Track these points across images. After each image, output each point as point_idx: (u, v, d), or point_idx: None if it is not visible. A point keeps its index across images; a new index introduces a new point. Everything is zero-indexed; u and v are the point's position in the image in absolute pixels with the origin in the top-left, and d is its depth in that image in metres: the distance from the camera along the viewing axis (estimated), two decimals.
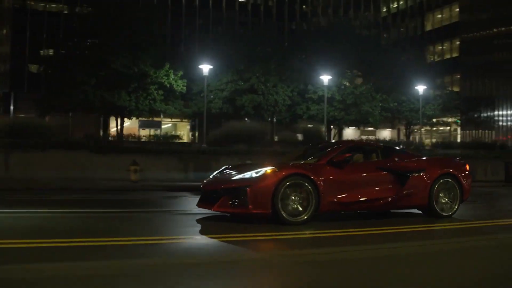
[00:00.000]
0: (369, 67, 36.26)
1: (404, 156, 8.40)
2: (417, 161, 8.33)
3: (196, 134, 46.13)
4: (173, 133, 36.16)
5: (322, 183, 7.10)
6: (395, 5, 62.13)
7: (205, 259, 4.77)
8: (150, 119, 36.19)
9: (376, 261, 4.88)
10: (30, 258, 4.59)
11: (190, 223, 7.22)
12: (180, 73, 30.07)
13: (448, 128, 51.75)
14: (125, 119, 34.09)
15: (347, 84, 35.83)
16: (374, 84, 36.01)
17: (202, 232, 6.43)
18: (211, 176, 8.11)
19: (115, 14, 29.42)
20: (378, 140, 37.30)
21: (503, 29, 48.57)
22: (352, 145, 8.55)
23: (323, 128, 32.69)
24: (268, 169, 7.01)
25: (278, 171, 6.95)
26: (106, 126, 43.28)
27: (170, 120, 45.33)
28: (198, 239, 5.88)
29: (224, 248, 5.41)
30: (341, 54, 34.63)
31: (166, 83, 29.38)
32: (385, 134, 50.21)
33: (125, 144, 22.35)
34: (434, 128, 49.94)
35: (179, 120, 45.99)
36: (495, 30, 49.40)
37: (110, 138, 32.24)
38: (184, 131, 48.16)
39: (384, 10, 63.13)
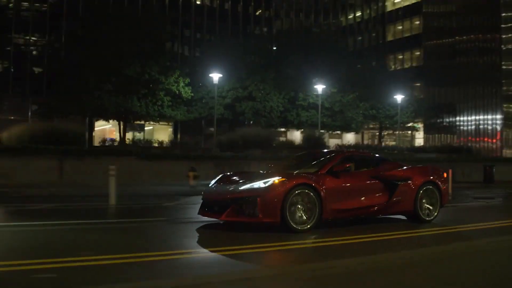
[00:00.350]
0: (356, 77, 38.85)
1: (390, 165, 8.92)
2: (403, 170, 8.83)
3: (178, 137, 47.03)
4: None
5: (324, 192, 7.44)
6: (359, 14, 65.55)
7: (219, 277, 4.68)
8: (148, 122, 36.93)
9: (381, 268, 5.26)
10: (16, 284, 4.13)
11: (196, 233, 7.28)
12: (187, 80, 31.29)
13: (410, 132, 55.27)
14: (112, 122, 34.62)
15: (335, 92, 38.23)
16: (359, 93, 38.69)
17: (210, 245, 6.41)
18: (210, 185, 8.27)
19: (118, 18, 30.09)
20: (345, 145, 40.21)
21: (464, 37, 52.70)
22: (347, 155, 8.93)
23: (324, 134, 34.94)
24: (276, 179, 7.24)
25: (287, 181, 7.22)
26: (92, 129, 43.48)
27: (149, 123, 45.90)
28: (207, 253, 5.90)
29: (236, 263, 5.34)
30: (327, 63, 37.02)
31: (175, 89, 30.48)
32: (349, 137, 52.42)
33: (153, 150, 23.40)
34: (397, 132, 53.25)
35: (158, 123, 46.65)
36: (457, 37, 53.49)
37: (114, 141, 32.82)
38: (162, 135, 48.61)
39: (350, 17, 66.36)
